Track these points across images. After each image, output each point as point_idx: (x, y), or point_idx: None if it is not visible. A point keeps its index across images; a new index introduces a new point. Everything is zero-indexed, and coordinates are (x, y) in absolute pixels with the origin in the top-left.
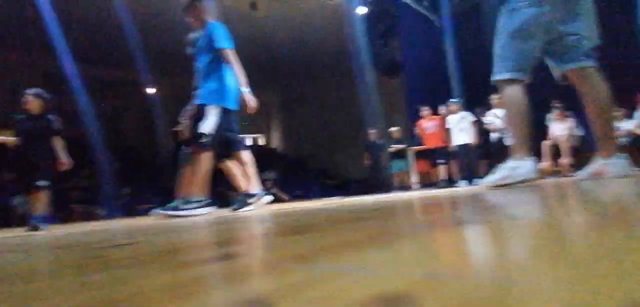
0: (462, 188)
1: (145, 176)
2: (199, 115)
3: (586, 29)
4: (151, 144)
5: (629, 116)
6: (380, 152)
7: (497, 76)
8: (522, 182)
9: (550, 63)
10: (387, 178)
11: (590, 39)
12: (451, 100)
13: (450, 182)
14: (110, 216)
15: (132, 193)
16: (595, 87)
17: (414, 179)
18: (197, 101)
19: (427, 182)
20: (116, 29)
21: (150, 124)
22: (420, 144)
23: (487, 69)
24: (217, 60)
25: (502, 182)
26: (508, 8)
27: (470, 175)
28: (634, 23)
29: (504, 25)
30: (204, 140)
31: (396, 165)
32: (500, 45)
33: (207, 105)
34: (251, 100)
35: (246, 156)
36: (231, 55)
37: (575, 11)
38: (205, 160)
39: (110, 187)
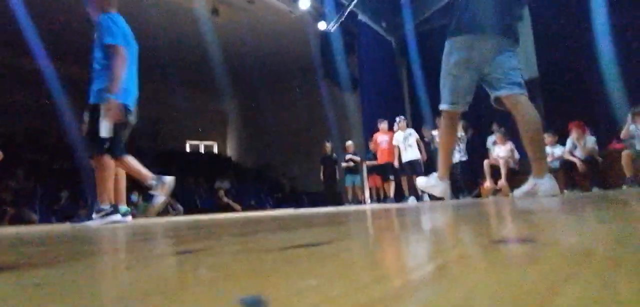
0: (410, 204)
1: (89, 180)
2: (94, 116)
3: (520, 63)
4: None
5: (562, 143)
6: (334, 166)
7: (441, 106)
8: (438, 199)
9: (486, 89)
10: (340, 192)
11: (523, 71)
12: (398, 117)
13: (401, 197)
14: (45, 221)
15: (70, 198)
16: (526, 113)
17: (367, 193)
18: (90, 100)
19: (379, 197)
20: (70, 19)
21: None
22: (374, 159)
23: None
24: (110, 56)
25: (426, 190)
26: (447, 49)
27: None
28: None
29: (444, 63)
30: (100, 144)
31: (350, 179)
32: (442, 79)
33: (100, 104)
34: (112, 108)
35: (109, 163)
36: (118, 53)
37: (510, 49)
38: (105, 164)
39: (47, 190)
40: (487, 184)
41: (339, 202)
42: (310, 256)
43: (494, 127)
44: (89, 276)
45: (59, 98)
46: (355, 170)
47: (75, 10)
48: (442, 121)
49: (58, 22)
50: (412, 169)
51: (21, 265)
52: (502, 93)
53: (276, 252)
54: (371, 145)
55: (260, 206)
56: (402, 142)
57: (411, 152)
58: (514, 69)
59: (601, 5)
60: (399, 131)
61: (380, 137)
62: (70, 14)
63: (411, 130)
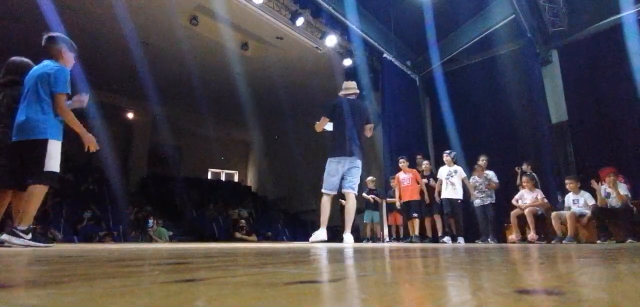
0: (447, 244)
1: (112, 201)
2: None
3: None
4: (122, 170)
5: (585, 188)
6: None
7: (323, 190)
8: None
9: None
10: (358, 228)
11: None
12: (448, 151)
13: (434, 238)
14: (67, 239)
15: (92, 218)
16: (350, 201)
17: (386, 230)
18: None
19: (399, 235)
20: (97, 46)
21: (124, 148)
22: (394, 197)
23: (472, 129)
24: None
25: (316, 242)
26: (329, 159)
27: (453, 232)
28: None
29: (327, 166)
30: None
31: (368, 215)
32: (325, 175)
33: None
34: None
35: None
36: None
37: (355, 165)
38: None
39: (72, 209)
40: (513, 236)
41: (357, 238)
42: (313, 294)
43: (525, 168)
44: (81, 300)
45: (89, 121)
46: (374, 206)
47: (111, 39)
48: (321, 202)
49: (95, 51)
50: (451, 208)
51: (23, 284)
52: (346, 189)
53: (280, 287)
54: (393, 183)
55: (277, 237)
56: (444, 177)
57: (452, 191)
58: (354, 177)
59: (633, 46)
60: (445, 166)
61: (403, 175)
62: (107, 43)
63: (457, 168)
